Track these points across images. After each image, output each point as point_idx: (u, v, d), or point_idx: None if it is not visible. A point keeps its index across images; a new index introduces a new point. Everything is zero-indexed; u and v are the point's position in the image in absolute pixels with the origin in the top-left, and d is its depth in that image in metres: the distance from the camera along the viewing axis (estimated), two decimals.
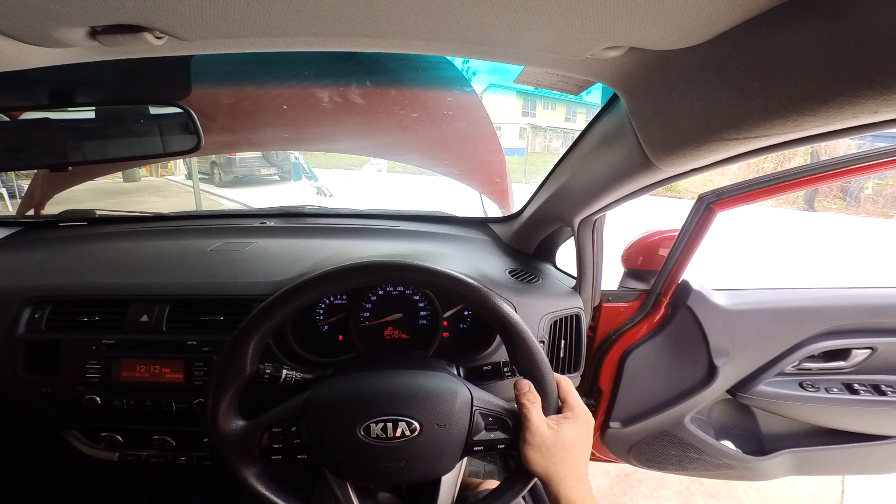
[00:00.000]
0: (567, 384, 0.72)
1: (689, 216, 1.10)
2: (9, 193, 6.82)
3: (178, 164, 9.41)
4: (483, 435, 0.68)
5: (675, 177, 0.67)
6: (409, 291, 1.03)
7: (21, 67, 0.51)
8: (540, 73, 0.68)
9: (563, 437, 0.66)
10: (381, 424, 0.64)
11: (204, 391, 0.87)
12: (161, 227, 1.37)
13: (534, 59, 0.55)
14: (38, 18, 0.41)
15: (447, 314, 1.04)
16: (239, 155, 8.59)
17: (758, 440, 1.38)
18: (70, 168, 0.83)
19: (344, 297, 1.04)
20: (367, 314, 1.02)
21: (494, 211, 1.65)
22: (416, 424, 0.64)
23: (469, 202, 1.66)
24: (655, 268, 1.23)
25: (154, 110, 0.85)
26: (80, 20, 0.42)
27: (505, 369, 0.80)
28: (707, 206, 1.05)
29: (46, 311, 0.94)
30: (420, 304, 1.03)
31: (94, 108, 0.82)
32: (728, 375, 1.22)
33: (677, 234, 1.15)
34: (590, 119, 0.83)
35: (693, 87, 0.50)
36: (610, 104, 0.74)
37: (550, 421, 0.67)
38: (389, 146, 1.56)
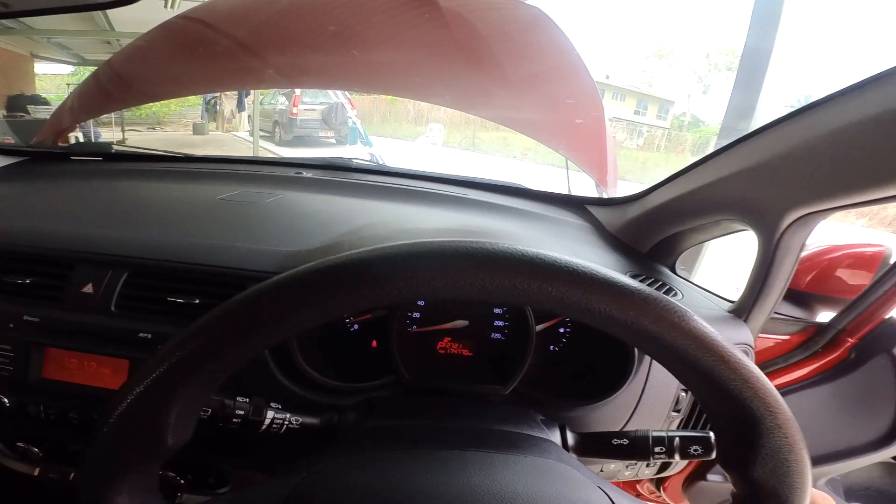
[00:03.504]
0: None
1: None
2: (85, 138, 6.95)
3: (243, 122, 9.65)
4: None
5: None
6: None
7: None
8: None
9: None
10: None
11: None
12: (181, 167, 1.13)
13: None
14: None
15: (539, 328, 0.68)
16: (300, 116, 8.75)
17: None
18: None
19: None
20: (416, 315, 0.69)
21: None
22: None
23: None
24: (831, 293, 0.89)
25: None
26: None
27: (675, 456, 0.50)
28: None
29: None
30: (497, 311, 0.69)
31: None
32: None
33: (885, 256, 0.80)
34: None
35: None
36: None
37: None
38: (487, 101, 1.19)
